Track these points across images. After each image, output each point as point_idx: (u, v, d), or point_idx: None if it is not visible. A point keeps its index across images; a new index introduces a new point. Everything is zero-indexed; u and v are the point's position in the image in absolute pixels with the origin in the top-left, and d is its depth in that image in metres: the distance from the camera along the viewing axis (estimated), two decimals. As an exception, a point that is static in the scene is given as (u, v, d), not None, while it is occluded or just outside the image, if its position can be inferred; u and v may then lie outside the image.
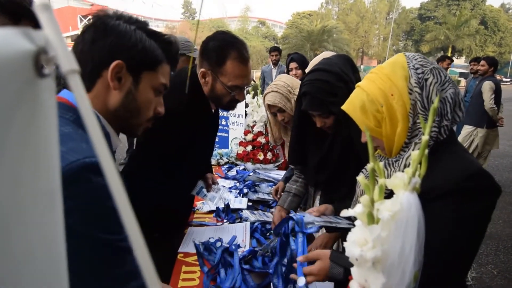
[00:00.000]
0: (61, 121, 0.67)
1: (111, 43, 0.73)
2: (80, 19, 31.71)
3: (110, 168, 0.24)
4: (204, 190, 1.61)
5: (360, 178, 0.55)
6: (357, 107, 0.90)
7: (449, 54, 33.57)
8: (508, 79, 32.80)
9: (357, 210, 0.56)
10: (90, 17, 0.76)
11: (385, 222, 0.57)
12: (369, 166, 0.53)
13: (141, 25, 0.78)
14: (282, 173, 2.36)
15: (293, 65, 3.03)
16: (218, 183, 1.70)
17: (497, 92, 4.37)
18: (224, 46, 1.27)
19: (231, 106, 1.39)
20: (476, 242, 0.81)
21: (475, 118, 4.56)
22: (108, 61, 0.72)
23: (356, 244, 0.55)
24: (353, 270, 0.60)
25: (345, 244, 0.57)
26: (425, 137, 0.55)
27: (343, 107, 0.96)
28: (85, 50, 0.72)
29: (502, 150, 6.01)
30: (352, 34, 39.42)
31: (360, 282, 0.58)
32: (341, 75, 1.25)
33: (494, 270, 2.76)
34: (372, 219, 0.54)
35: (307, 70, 1.49)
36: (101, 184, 0.60)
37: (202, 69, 1.30)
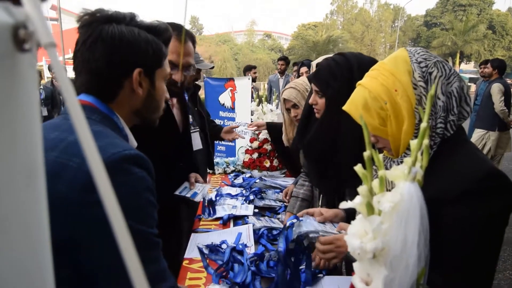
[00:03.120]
0: (89, 122, 0.69)
1: (127, 55, 0.75)
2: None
3: (94, 155, 0.24)
4: (187, 189, 1.62)
5: (358, 168, 0.54)
6: (360, 106, 0.87)
7: (458, 60, 33.31)
8: (520, 83, 32.25)
9: (356, 201, 0.54)
10: (83, 17, 0.74)
11: (386, 213, 0.55)
12: (365, 154, 0.52)
13: (137, 24, 0.78)
14: (289, 180, 2.34)
15: (303, 69, 3.05)
16: (202, 182, 1.71)
17: (506, 94, 4.30)
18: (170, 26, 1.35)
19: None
20: (498, 244, 0.78)
21: (486, 121, 4.48)
22: (127, 71, 0.75)
23: (356, 236, 0.54)
24: (355, 265, 0.59)
25: (345, 237, 0.56)
26: (423, 124, 0.54)
27: (345, 108, 0.94)
28: (101, 66, 0.73)
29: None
30: (358, 43, 39.53)
31: (362, 276, 0.56)
32: (352, 67, 1.25)
33: (512, 277, 2.66)
34: (371, 209, 0.53)
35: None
36: (139, 176, 0.65)
37: None
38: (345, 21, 44.08)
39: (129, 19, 0.77)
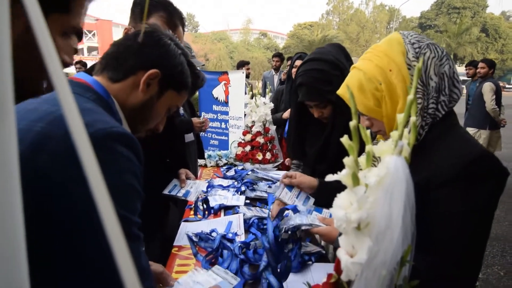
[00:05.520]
0: (81, 99, 0.69)
1: (159, 54, 0.80)
2: (85, 34, 32.32)
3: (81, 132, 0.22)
4: (178, 187, 1.50)
5: (344, 139, 0.54)
6: (354, 88, 0.87)
7: (451, 62, 33.58)
8: None
9: (342, 173, 0.54)
10: (147, 26, 0.85)
11: (372, 187, 0.55)
12: (351, 123, 0.52)
13: (184, 53, 0.87)
14: (281, 172, 2.34)
15: (298, 62, 2.98)
16: (193, 178, 1.59)
17: (497, 93, 4.36)
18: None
19: None
20: (487, 227, 0.78)
21: (478, 120, 4.54)
22: (148, 66, 0.78)
23: (341, 208, 0.53)
24: (340, 238, 0.59)
25: (330, 210, 0.56)
26: (410, 97, 0.54)
27: (339, 92, 0.93)
28: (133, 47, 0.78)
29: (507, 153, 5.94)
30: (353, 44, 39.71)
31: (347, 249, 0.56)
32: (336, 63, 1.25)
33: (500, 271, 2.70)
34: (357, 180, 0.53)
35: None
36: (124, 155, 0.61)
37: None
38: (340, 21, 44.27)
39: (180, 47, 0.85)
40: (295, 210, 1.15)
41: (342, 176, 0.54)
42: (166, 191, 1.46)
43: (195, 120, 2.11)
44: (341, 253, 0.56)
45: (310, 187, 1.23)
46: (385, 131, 0.88)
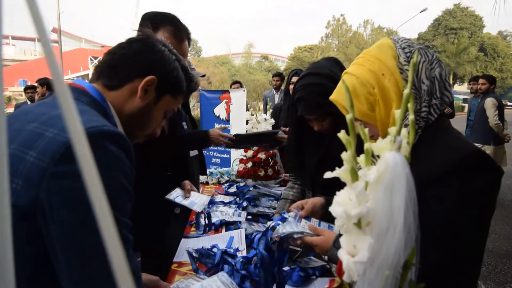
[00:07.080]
0: (75, 102, 0.68)
1: (155, 60, 0.81)
2: (91, 60, 33.16)
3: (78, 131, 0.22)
4: (181, 196, 1.51)
5: (341, 134, 0.53)
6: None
7: (451, 81, 33.98)
8: (513, 104, 32.75)
9: (340, 169, 0.53)
10: (139, 33, 0.87)
11: (371, 184, 0.54)
12: (347, 116, 0.51)
13: (178, 58, 0.89)
14: (283, 189, 2.31)
15: (294, 78, 3.01)
16: (195, 190, 1.60)
17: (500, 108, 4.36)
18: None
19: None
20: (484, 222, 0.75)
21: (481, 135, 4.51)
22: (145, 73, 0.79)
23: (341, 205, 0.52)
24: (341, 239, 0.56)
25: (330, 208, 0.54)
26: (406, 91, 0.54)
27: (332, 97, 0.94)
28: (128, 55, 0.79)
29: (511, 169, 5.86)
30: (353, 65, 40.30)
31: (348, 250, 0.54)
32: (332, 76, 1.26)
33: (514, 290, 2.59)
34: (355, 175, 0.51)
35: None
36: (115, 155, 0.61)
37: None
38: (340, 43, 45.19)
39: (174, 53, 0.86)
40: (283, 219, 1.13)
41: (340, 172, 0.53)
42: (170, 197, 1.47)
43: (213, 131, 1.93)
44: (342, 254, 0.54)
45: (319, 206, 1.21)
46: (379, 135, 0.87)
